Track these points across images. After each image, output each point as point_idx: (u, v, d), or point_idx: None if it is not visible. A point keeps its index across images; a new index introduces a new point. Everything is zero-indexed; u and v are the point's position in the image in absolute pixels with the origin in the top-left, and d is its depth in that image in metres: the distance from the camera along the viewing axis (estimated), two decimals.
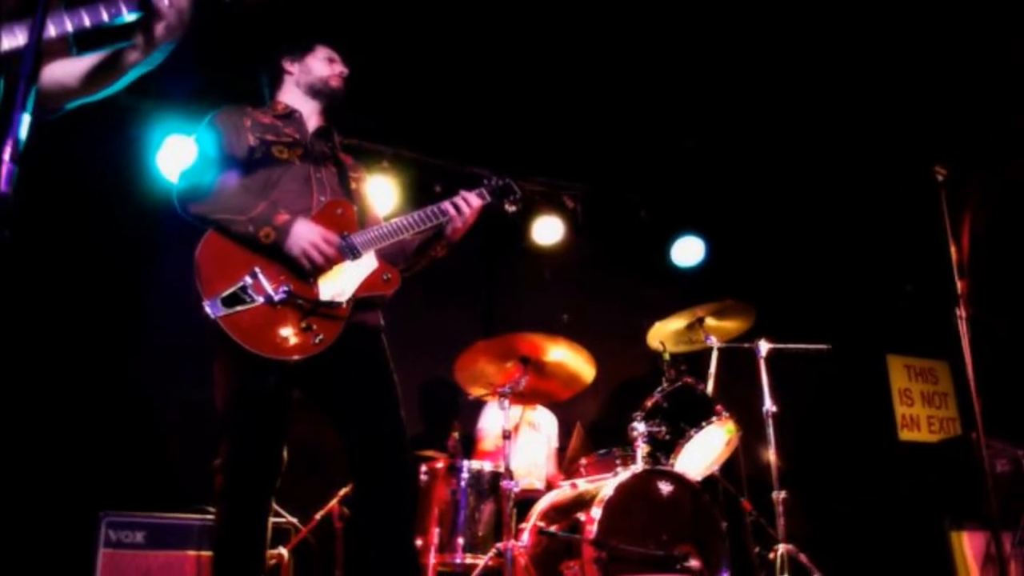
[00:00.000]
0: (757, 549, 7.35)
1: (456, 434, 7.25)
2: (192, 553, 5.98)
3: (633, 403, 7.02)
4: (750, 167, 9.77)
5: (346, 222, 4.71)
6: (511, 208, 5.24)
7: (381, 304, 4.87)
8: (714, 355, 7.77)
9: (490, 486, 6.79)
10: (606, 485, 6.22)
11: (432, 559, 6.47)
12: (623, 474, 6.30)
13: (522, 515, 6.79)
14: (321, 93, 5.13)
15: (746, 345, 7.57)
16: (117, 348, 7.38)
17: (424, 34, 7.75)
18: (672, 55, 8.21)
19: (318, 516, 6.62)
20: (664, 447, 6.80)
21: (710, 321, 7.76)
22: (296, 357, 4.31)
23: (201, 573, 5.94)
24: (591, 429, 8.51)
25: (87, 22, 2.89)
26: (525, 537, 6.57)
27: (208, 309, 4.22)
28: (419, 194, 8.64)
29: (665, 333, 7.79)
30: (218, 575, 4.43)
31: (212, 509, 4.73)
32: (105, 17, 2.91)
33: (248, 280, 4.31)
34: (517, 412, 7.93)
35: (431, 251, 5.12)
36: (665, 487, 6.31)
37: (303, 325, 4.36)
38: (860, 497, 9.32)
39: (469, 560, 6.46)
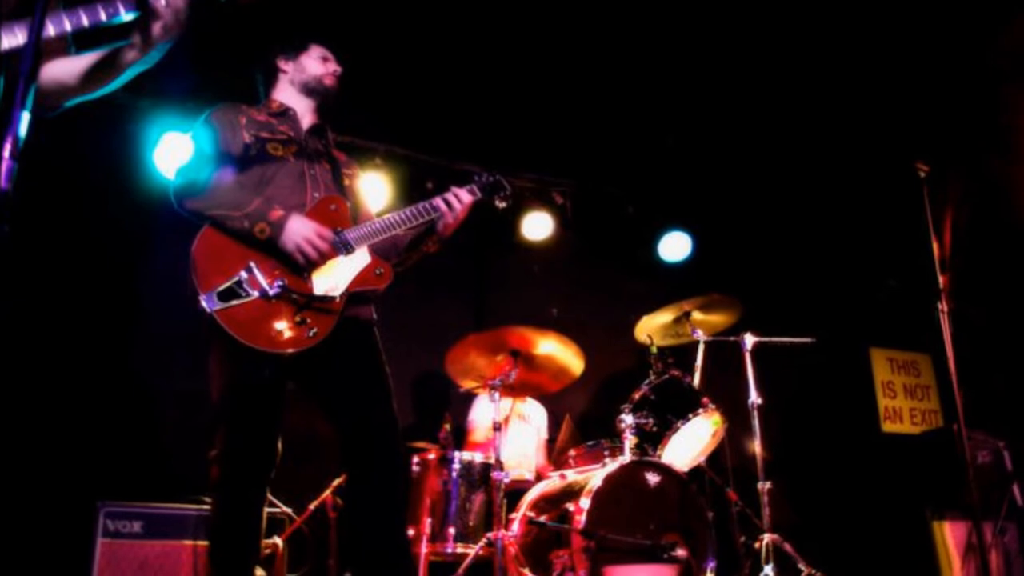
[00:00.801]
0: (743, 538, 7.37)
1: (447, 426, 7.26)
2: (189, 543, 5.99)
3: (621, 395, 7.05)
4: (736, 164, 9.79)
5: (339, 218, 4.73)
6: (501, 204, 5.25)
7: (374, 298, 4.88)
8: (700, 348, 7.79)
9: (481, 477, 6.81)
10: (595, 476, 6.24)
11: (424, 548, 6.48)
12: (611, 465, 6.32)
13: (512, 505, 6.81)
14: (315, 91, 5.15)
15: (732, 338, 7.58)
16: (115, 341, 7.38)
17: (416, 34, 7.77)
18: (658, 54, 8.23)
19: (312, 506, 6.63)
20: (651, 438, 6.83)
21: (696, 315, 7.78)
22: (290, 350, 4.33)
23: (197, 562, 5.95)
24: (580, 421, 8.54)
25: (85, 22, 2.90)
26: (515, 527, 6.58)
27: (204, 303, 4.23)
28: (411, 190, 8.65)
29: (652, 327, 7.81)
30: (214, 564, 4.44)
31: (208, 499, 4.75)
32: (103, 17, 2.92)
33: (243, 275, 4.33)
34: (507, 404, 7.94)
35: (423, 246, 5.13)
36: (652, 478, 6.34)
37: (297, 319, 4.37)
38: (844, 488, 9.34)
39: (460, 550, 6.48)
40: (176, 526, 6.01)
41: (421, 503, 6.66)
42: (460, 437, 8.18)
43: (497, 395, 6.72)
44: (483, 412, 8.07)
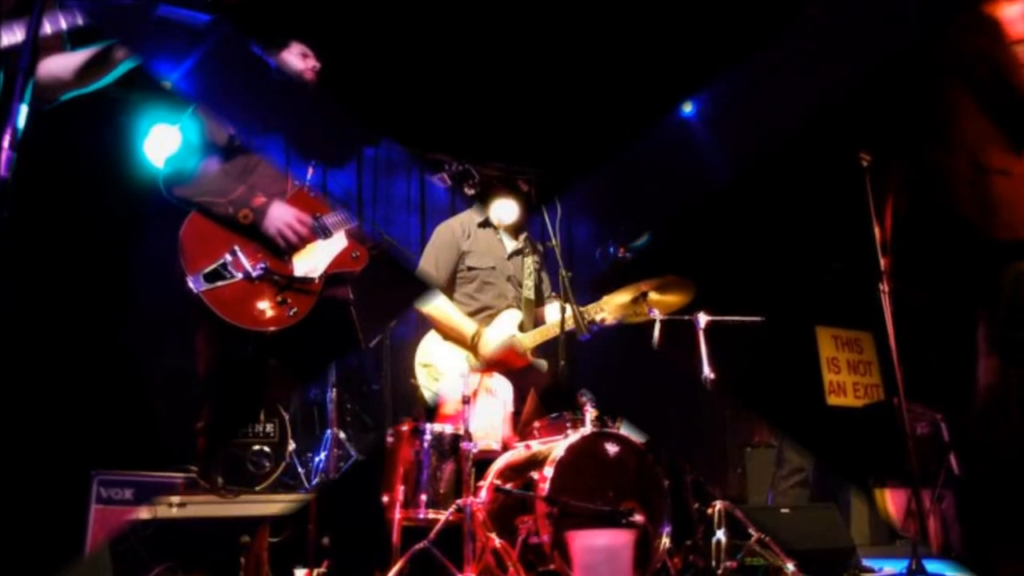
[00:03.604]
0: (696, 505, 7.40)
1: None
2: None
3: None
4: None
5: (318, 205, 4.75)
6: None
7: (350, 279, 4.91)
8: (657, 326, 7.82)
9: (451, 447, 6.81)
10: (557, 446, 6.27)
11: (397, 514, 6.50)
12: (573, 436, 6.35)
13: (480, 474, 6.82)
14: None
15: (686, 317, 7.63)
16: (107, 321, 7.37)
17: (392, 34, 7.79)
18: (616, 49, 8.26)
19: None
20: (611, 412, 6.86)
21: (653, 295, 7.79)
22: (272, 328, 4.36)
23: None
24: (544, 395, 8.56)
25: (80, 20, 2.92)
26: (483, 494, 6.61)
27: (191, 284, 4.26)
28: None
29: (612, 306, 7.84)
30: None
31: (194, 468, 4.76)
32: None
33: (228, 258, 4.36)
34: (476, 379, 7.97)
35: None
36: (612, 448, 6.37)
37: (279, 299, 4.40)
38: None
39: (431, 515, 6.48)
40: (165, 493, 6.03)
41: (395, 472, 6.67)
42: (431, 410, 8.21)
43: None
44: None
